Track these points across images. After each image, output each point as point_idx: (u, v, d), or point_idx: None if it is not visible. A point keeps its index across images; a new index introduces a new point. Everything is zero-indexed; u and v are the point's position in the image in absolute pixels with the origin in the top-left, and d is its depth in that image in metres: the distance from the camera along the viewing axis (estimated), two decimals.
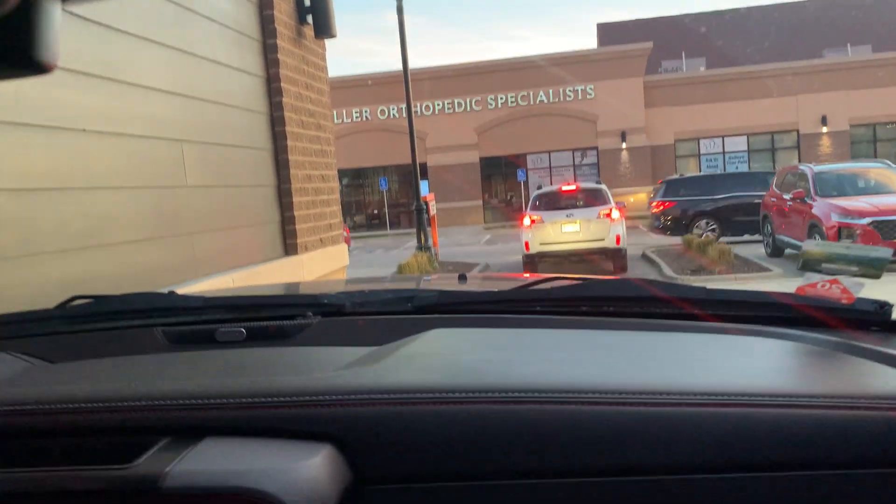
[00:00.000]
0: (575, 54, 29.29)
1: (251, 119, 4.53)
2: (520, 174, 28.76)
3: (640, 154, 28.99)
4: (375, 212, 31.39)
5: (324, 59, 5.81)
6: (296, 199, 4.90)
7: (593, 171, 28.90)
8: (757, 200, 14.61)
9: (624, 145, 28.94)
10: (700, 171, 27.81)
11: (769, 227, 13.44)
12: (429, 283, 1.66)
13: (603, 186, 14.05)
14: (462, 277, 1.76)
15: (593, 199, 13.32)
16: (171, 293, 1.41)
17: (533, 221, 12.98)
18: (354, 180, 31.10)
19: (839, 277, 1.07)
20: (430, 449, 0.81)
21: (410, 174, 16.78)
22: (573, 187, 14.04)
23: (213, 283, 3.68)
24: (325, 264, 5.39)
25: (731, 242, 13.92)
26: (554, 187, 14.65)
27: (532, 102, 29.25)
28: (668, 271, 12.26)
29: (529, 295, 1.28)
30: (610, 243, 12.66)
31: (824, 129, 28.70)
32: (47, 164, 2.79)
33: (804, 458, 0.77)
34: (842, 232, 10.43)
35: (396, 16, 14.68)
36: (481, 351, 1.02)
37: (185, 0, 3.79)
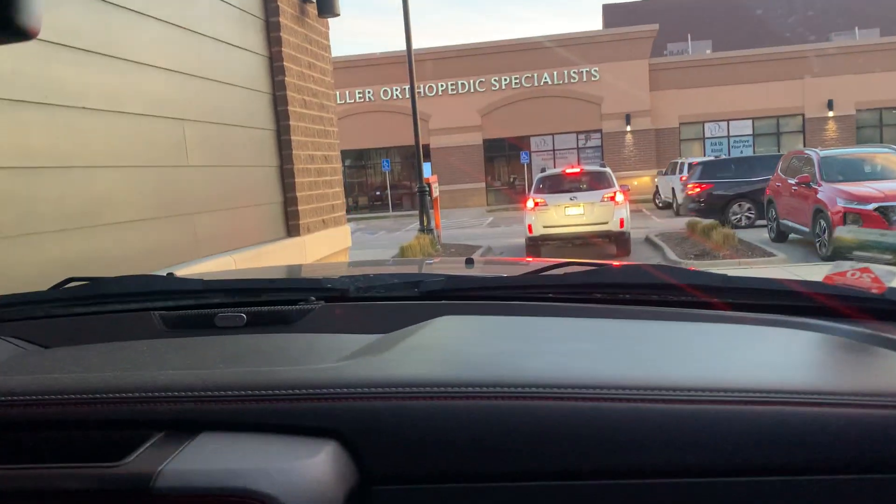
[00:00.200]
0: (580, 36, 29.05)
1: (253, 98, 4.47)
2: (523, 157, 28.64)
3: (645, 137, 28.83)
4: (378, 193, 31.30)
5: (327, 38, 5.74)
6: (298, 179, 4.85)
7: (597, 154, 28.76)
8: None
9: (628, 128, 28.78)
10: (704, 154, 27.66)
11: (773, 212, 13.38)
12: (432, 267, 1.60)
13: (607, 169, 13.98)
14: (469, 261, 1.71)
15: (597, 182, 13.25)
16: (170, 276, 1.36)
17: (536, 204, 12.92)
18: (357, 161, 30.99)
19: (871, 266, 1.02)
20: (441, 447, 0.76)
21: (413, 156, 16.72)
22: (577, 170, 13.97)
23: (214, 263, 3.64)
24: (327, 245, 5.35)
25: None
26: (558, 170, 14.58)
27: (536, 84, 29.05)
28: (671, 255, 12.21)
29: (541, 281, 1.23)
30: (614, 227, 12.61)
31: (830, 114, 28.51)
32: (46, 142, 2.74)
33: (838, 461, 0.72)
34: (847, 217, 10.37)
35: None
36: (493, 341, 0.97)
37: None
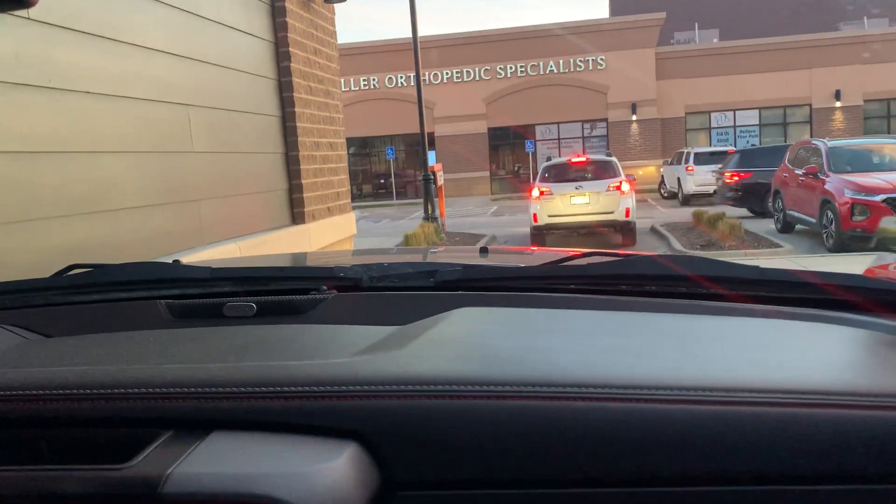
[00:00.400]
0: (587, 23, 28.86)
1: (259, 84, 4.43)
2: (528, 145, 28.52)
3: (651, 126, 28.68)
4: (382, 181, 31.23)
5: (333, 24, 5.68)
6: (303, 166, 4.81)
7: (602, 144, 28.63)
8: None
9: (634, 117, 28.63)
10: (710, 144, 27.52)
11: (780, 203, 13.30)
12: (445, 256, 1.55)
13: (613, 159, 13.91)
14: (483, 251, 1.66)
15: (603, 171, 13.18)
16: (176, 263, 1.32)
17: (542, 193, 12.86)
18: (361, 149, 30.90)
19: None
20: (469, 450, 0.71)
21: (417, 144, 16.63)
22: (583, 159, 13.90)
23: (219, 250, 3.61)
24: (332, 233, 5.32)
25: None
26: (563, 159, 14.51)
27: (542, 72, 28.90)
28: (677, 245, 12.16)
29: (563, 271, 1.18)
30: (619, 216, 12.55)
31: (837, 104, 28.33)
32: (50, 126, 2.71)
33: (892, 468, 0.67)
34: (854, 208, 10.30)
35: None
36: (519, 335, 0.92)
37: None
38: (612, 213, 12.58)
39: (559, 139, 29.44)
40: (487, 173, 29.88)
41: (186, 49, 3.59)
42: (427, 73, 27.31)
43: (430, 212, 14.74)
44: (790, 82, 28.22)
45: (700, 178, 20.14)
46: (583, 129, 29.42)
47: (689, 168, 20.28)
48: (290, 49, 4.67)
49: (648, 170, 27.39)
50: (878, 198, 10.08)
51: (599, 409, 0.72)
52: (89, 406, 0.76)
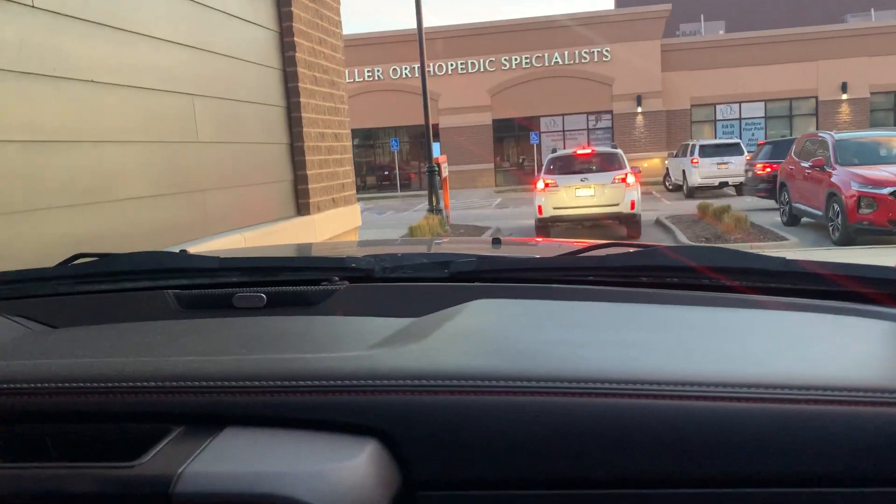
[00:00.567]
0: (592, 15, 28.73)
1: (264, 74, 4.40)
2: (532, 137, 28.44)
3: (656, 119, 28.58)
4: (386, 173, 31.18)
5: (338, 14, 5.65)
6: (308, 157, 4.79)
7: (607, 136, 28.54)
8: None
9: (639, 109, 28.52)
10: (715, 137, 27.41)
11: (786, 195, 13.24)
12: (457, 247, 1.52)
13: (619, 151, 13.85)
14: (496, 241, 1.63)
15: (608, 163, 13.13)
16: (184, 252, 1.30)
17: (547, 185, 12.82)
18: (365, 140, 30.84)
19: None
20: (493, 448, 0.68)
21: (422, 135, 16.63)
22: (588, 151, 13.84)
23: (224, 241, 3.60)
24: (337, 224, 5.30)
25: None
26: (569, 151, 14.46)
27: (547, 64, 28.78)
28: (682, 238, 12.12)
29: (581, 263, 1.14)
30: (624, 208, 12.51)
31: (844, 96, 28.18)
32: (55, 116, 2.69)
33: None
34: (861, 201, 10.25)
35: None
36: (541, 328, 0.89)
37: None
38: (617, 205, 12.54)
39: (564, 131, 29.35)
40: (492, 165, 29.81)
41: (191, 38, 3.57)
42: (432, 65, 27.23)
43: (434, 204, 14.71)
44: (796, 74, 28.07)
45: (705, 171, 20.07)
46: (588, 120, 29.32)
47: (695, 160, 20.19)
48: (296, 39, 4.64)
49: (653, 162, 27.30)
50: (885, 191, 10.02)
51: (631, 406, 0.69)
52: (96, 400, 0.73)
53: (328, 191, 5.18)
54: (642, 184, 14.44)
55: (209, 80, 3.73)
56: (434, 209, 14.60)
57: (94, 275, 1.22)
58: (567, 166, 13.30)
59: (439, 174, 14.88)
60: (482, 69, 29.13)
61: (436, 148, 17.52)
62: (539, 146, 28.24)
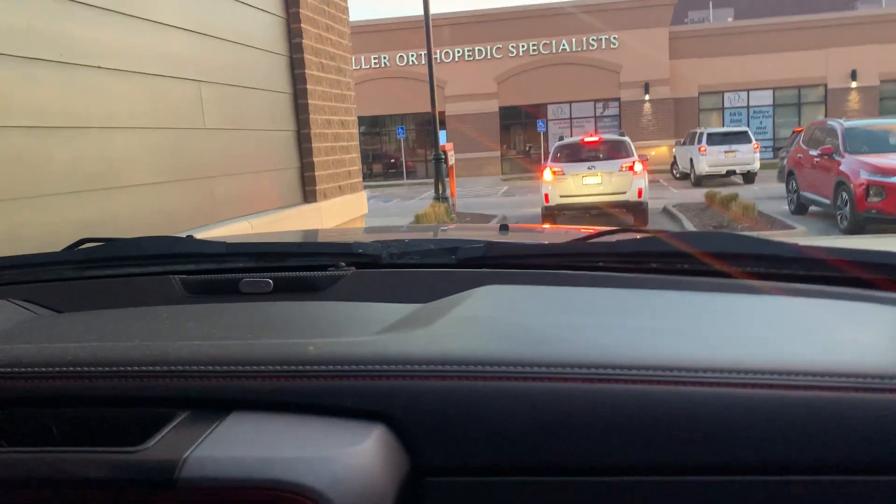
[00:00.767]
0: (600, 2, 28.52)
1: (270, 61, 4.39)
2: (539, 125, 28.34)
3: (663, 106, 28.42)
4: (392, 161, 31.13)
5: (345, 0, 5.62)
6: (315, 144, 4.78)
7: (615, 123, 28.41)
8: None
9: (647, 97, 28.37)
10: (723, 125, 27.26)
11: (794, 184, 13.17)
12: (464, 234, 1.51)
13: (626, 139, 13.80)
14: (504, 228, 1.62)
15: (616, 151, 13.07)
16: (190, 238, 1.29)
17: (553, 173, 12.78)
18: (371, 128, 30.79)
19: None
20: (502, 434, 0.67)
21: (428, 123, 16.55)
22: (595, 139, 13.78)
23: (231, 228, 3.60)
24: (344, 212, 5.30)
25: None
26: (576, 138, 14.40)
27: (554, 51, 28.63)
28: (689, 226, 12.08)
29: (590, 248, 1.13)
30: (631, 196, 12.47)
31: (853, 84, 27.96)
32: (61, 101, 2.68)
33: None
34: (870, 190, 10.19)
35: None
36: (550, 313, 0.88)
37: None
38: (624, 193, 12.49)
39: (571, 119, 29.23)
40: (498, 153, 29.73)
41: (198, 24, 3.56)
42: (439, 52, 27.11)
43: (440, 192, 14.68)
44: (805, 62, 27.86)
45: (713, 159, 19.96)
46: (595, 108, 29.19)
47: (702, 148, 20.09)
48: (302, 25, 4.62)
49: (661, 150, 27.19)
50: (895, 179, 9.96)
51: (640, 392, 0.68)
52: (101, 384, 0.72)
53: (335, 178, 5.18)
54: (650, 172, 14.38)
55: (216, 67, 3.72)
56: (440, 197, 14.58)
57: (100, 259, 1.21)
58: (574, 154, 13.25)
59: (445, 162, 14.84)
60: (489, 56, 29.00)
61: (442, 136, 17.46)
62: (546, 134, 28.14)
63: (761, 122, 28.64)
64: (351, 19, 5.81)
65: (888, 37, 27.08)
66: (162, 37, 3.28)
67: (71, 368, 0.74)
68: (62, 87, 2.69)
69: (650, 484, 0.67)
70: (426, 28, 14.42)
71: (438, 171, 14.79)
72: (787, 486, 0.66)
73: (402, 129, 29.54)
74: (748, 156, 19.92)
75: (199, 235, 2.73)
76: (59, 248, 1.41)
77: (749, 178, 20.12)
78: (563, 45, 28.54)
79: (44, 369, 0.74)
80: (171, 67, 3.33)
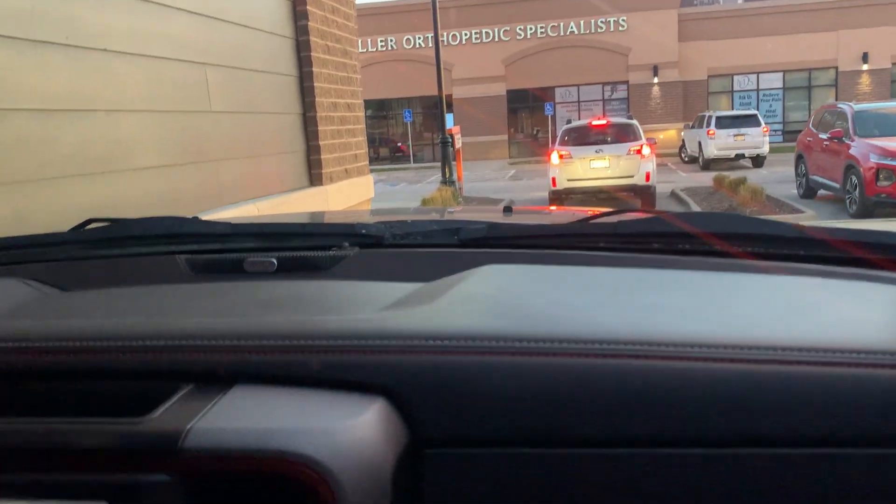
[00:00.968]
0: None
1: (276, 43, 4.38)
2: (547, 108, 28.21)
3: (672, 89, 28.24)
4: (399, 144, 31.07)
5: None
6: (321, 127, 4.78)
7: (623, 107, 28.24)
8: None
9: (655, 80, 28.18)
10: (732, 108, 27.07)
11: (803, 168, 13.09)
12: (468, 215, 1.51)
13: (634, 122, 13.72)
14: (507, 209, 1.63)
15: (623, 134, 13.02)
16: (195, 218, 1.30)
17: (561, 157, 12.75)
18: (378, 112, 30.71)
19: None
20: (498, 407, 0.69)
21: (435, 106, 16.53)
22: (603, 122, 13.72)
23: (237, 211, 3.61)
24: (350, 196, 5.30)
25: None
26: (583, 122, 14.33)
27: (562, 33, 28.44)
28: (697, 210, 12.04)
29: (592, 229, 1.14)
30: (639, 180, 12.43)
31: (864, 67, 27.70)
32: (67, 84, 2.69)
33: None
34: (880, 173, 10.13)
35: None
36: (550, 292, 0.89)
37: None
38: (632, 177, 12.45)
39: (579, 102, 29.08)
40: (506, 136, 29.63)
41: (204, 7, 3.55)
42: (446, 34, 26.98)
43: (447, 175, 14.66)
44: (816, 44, 27.59)
45: (721, 143, 19.85)
46: (603, 91, 29.02)
47: (711, 132, 19.97)
48: (308, 7, 4.61)
49: (669, 133, 27.04)
50: None
51: (640, 367, 0.69)
52: (107, 358, 0.74)
53: (341, 161, 5.17)
54: (658, 156, 14.33)
55: (222, 49, 3.71)
56: (447, 181, 14.56)
57: (106, 239, 1.23)
58: (582, 138, 13.20)
59: (452, 145, 14.81)
60: (496, 39, 28.83)
61: (449, 119, 17.42)
62: (553, 117, 28.01)
63: (771, 106, 28.43)
64: (357, 1, 5.79)
65: None
66: (168, 19, 3.27)
67: (77, 343, 0.75)
68: (68, 70, 2.69)
69: (648, 456, 0.68)
70: (433, 10, 14.34)
71: (445, 154, 14.76)
72: (785, 457, 0.67)
73: (408, 112, 29.45)
74: (757, 139, 19.79)
75: (205, 218, 2.74)
76: (65, 230, 1.42)
77: (758, 161, 20.00)
78: (572, 28, 28.34)
79: (51, 343, 0.76)
80: (176, 50, 3.33)
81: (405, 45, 29.36)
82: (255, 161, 4.04)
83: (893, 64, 27.62)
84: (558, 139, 13.66)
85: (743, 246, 1.03)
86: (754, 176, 15.45)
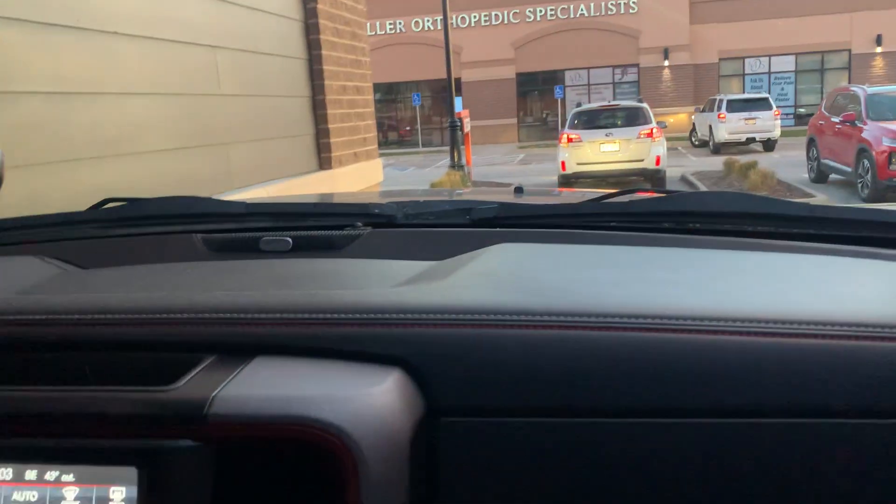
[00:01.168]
0: None
1: (285, 26, 4.37)
2: (557, 91, 28.06)
3: (683, 73, 28.03)
4: (408, 128, 31.02)
5: None
6: (330, 111, 4.78)
7: (633, 90, 28.07)
8: None
9: (666, 63, 27.97)
10: (744, 91, 26.87)
11: (815, 151, 12.99)
12: (480, 196, 1.52)
13: (644, 105, 13.65)
14: (518, 190, 1.64)
15: (634, 118, 12.96)
16: (210, 198, 1.32)
17: (570, 140, 12.71)
18: (387, 95, 30.64)
19: None
20: (515, 378, 0.71)
21: (444, 90, 16.48)
22: (614, 105, 13.66)
23: (247, 194, 3.62)
24: (359, 179, 5.31)
25: None
26: (594, 105, 14.27)
27: (572, 16, 28.23)
28: None
29: (604, 209, 1.15)
30: (649, 164, 12.38)
31: (878, 49, 27.39)
32: (79, 67, 2.70)
33: None
34: (892, 157, 10.05)
35: None
36: (562, 268, 0.91)
37: None
38: (642, 160, 12.41)
39: (589, 85, 28.91)
40: (515, 120, 29.52)
41: None
42: (454, 17, 26.82)
43: (456, 159, 14.64)
44: (829, 27, 27.29)
45: (732, 126, 19.70)
46: (613, 74, 28.83)
47: (722, 116, 19.83)
48: None
49: (680, 117, 26.88)
50: None
51: (652, 340, 0.71)
52: (132, 330, 0.76)
53: (350, 145, 5.18)
54: (668, 139, 14.26)
55: (231, 32, 3.71)
56: (456, 165, 14.54)
57: (123, 219, 1.25)
58: (592, 121, 13.16)
59: (461, 129, 14.77)
60: (506, 21, 28.65)
61: (458, 102, 17.37)
62: (563, 100, 27.87)
63: (783, 89, 28.19)
64: None
65: None
66: (177, 2, 3.28)
67: (101, 315, 0.78)
68: (79, 53, 2.70)
69: (661, 426, 0.70)
70: None
71: (454, 138, 14.73)
72: (792, 427, 0.68)
73: (417, 95, 29.37)
74: (768, 123, 19.63)
75: None
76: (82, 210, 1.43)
77: (769, 145, 19.86)
78: (582, 10, 28.13)
79: (76, 316, 0.78)
80: (186, 33, 3.33)
81: (414, 28, 29.22)
82: (264, 144, 4.05)
83: None
84: (568, 123, 13.61)
85: (753, 225, 1.04)
86: (765, 160, 15.34)
